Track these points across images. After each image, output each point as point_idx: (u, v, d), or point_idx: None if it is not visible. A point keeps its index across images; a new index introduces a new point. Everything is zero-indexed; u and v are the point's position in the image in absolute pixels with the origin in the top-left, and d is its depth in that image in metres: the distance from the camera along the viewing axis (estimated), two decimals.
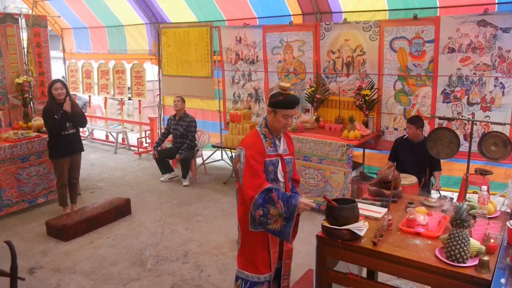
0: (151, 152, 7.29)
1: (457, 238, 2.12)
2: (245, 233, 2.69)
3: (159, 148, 6.50)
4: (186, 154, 6.21)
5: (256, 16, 6.40)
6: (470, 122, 3.96)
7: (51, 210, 5.21)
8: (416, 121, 4.57)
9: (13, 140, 5.02)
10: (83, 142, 6.03)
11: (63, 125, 4.62)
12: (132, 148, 8.41)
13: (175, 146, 6.41)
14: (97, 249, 4.24)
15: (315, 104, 5.67)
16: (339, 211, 2.40)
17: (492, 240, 2.25)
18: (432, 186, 4.60)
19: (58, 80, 4.74)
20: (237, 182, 2.66)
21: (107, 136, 9.27)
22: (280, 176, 2.65)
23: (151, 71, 8.80)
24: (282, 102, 2.56)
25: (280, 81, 2.59)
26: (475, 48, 4.58)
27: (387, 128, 5.38)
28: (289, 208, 2.45)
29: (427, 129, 4.87)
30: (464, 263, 2.10)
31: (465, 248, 2.10)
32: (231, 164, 6.75)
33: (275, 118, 2.59)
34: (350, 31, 5.34)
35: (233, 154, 6.70)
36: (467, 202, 2.59)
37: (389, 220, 2.55)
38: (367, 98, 5.15)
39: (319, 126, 5.60)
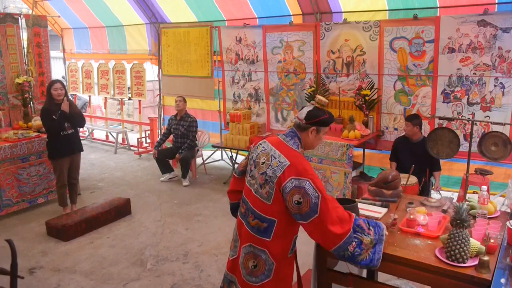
0: (151, 152, 7.29)
1: (457, 238, 2.12)
2: (281, 262, 2.40)
3: (159, 148, 6.50)
4: (186, 154, 6.21)
5: (256, 16, 6.40)
6: (470, 122, 3.96)
7: (51, 210, 5.21)
8: (412, 118, 4.57)
9: (13, 140, 5.02)
10: (83, 142, 6.03)
11: (62, 126, 4.63)
12: (132, 148, 8.41)
13: (176, 146, 6.41)
14: (97, 249, 4.24)
15: None
16: None
17: (492, 240, 2.25)
18: (432, 186, 4.61)
19: (57, 81, 4.74)
20: (275, 213, 2.29)
21: (107, 136, 9.27)
22: None
23: (151, 71, 8.80)
24: (328, 120, 2.42)
25: (319, 96, 2.43)
26: (475, 48, 4.58)
27: (387, 128, 5.38)
28: (378, 233, 2.29)
29: (427, 129, 4.87)
30: (464, 263, 2.10)
31: (465, 248, 2.10)
32: (231, 164, 6.75)
33: (318, 136, 2.43)
34: (350, 31, 5.34)
35: (233, 154, 6.71)
36: (467, 202, 2.59)
37: (394, 219, 2.54)
38: (367, 98, 5.16)
39: None
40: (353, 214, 2.30)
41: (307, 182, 2.19)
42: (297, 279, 2.58)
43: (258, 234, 2.35)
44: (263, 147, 2.39)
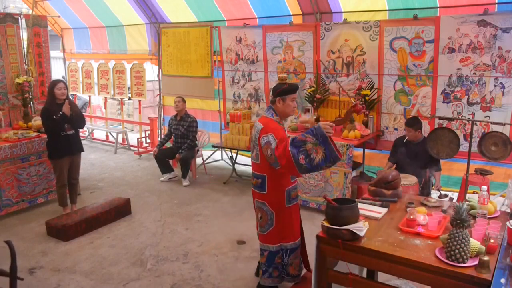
0: (151, 152, 7.29)
1: (457, 238, 2.12)
2: (280, 212, 3.09)
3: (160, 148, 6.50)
4: (186, 154, 6.21)
5: (256, 16, 6.39)
6: (470, 122, 3.96)
7: (51, 210, 5.21)
8: (414, 123, 4.55)
9: (13, 140, 5.02)
10: (83, 142, 6.03)
11: (61, 127, 4.62)
12: (132, 148, 8.41)
13: (176, 146, 6.41)
14: (97, 249, 4.24)
15: (315, 104, 5.67)
16: (339, 211, 2.40)
17: (492, 240, 2.25)
18: (432, 186, 4.60)
19: (60, 80, 4.76)
20: (264, 169, 3.05)
21: (107, 136, 9.27)
22: None
23: (151, 71, 8.79)
24: (288, 88, 3.05)
25: (279, 75, 3.21)
26: (475, 48, 4.58)
27: (387, 128, 5.38)
28: (318, 134, 2.74)
29: (427, 129, 4.87)
30: (464, 263, 2.10)
31: (465, 248, 2.10)
32: (231, 164, 6.75)
33: (285, 104, 3.06)
34: (350, 31, 5.34)
35: (233, 154, 6.72)
36: (467, 202, 2.59)
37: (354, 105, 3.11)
38: (367, 98, 5.15)
39: None
40: (289, 138, 2.85)
41: (271, 135, 2.90)
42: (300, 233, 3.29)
43: (257, 189, 3.12)
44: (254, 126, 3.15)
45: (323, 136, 2.72)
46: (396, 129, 5.30)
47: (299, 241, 3.25)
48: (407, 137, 4.63)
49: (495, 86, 4.57)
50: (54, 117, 4.54)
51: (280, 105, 3.06)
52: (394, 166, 4.75)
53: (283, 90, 3.03)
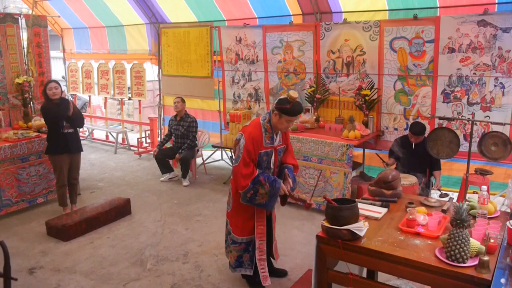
0: (151, 152, 7.28)
1: (457, 238, 2.12)
2: (237, 203, 3.23)
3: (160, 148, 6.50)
4: (186, 154, 6.21)
5: (256, 16, 6.40)
6: (470, 122, 3.96)
7: (51, 210, 5.21)
8: (422, 130, 4.52)
9: (13, 140, 5.02)
10: (83, 142, 6.03)
11: (62, 112, 4.61)
12: (132, 148, 8.41)
13: (176, 146, 6.41)
14: (97, 249, 4.24)
15: (315, 104, 5.67)
16: (339, 211, 2.40)
17: (492, 240, 2.25)
18: (432, 186, 4.61)
19: (52, 80, 4.77)
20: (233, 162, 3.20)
21: (107, 136, 9.27)
22: (271, 165, 3.22)
23: (151, 71, 8.79)
24: (288, 110, 3.01)
25: (290, 91, 3.07)
26: (475, 48, 4.58)
27: (387, 128, 5.38)
28: (273, 189, 3.05)
29: (427, 129, 4.87)
30: (464, 263, 2.10)
31: (465, 248, 2.10)
32: (231, 164, 6.76)
33: (280, 120, 3.06)
34: (350, 31, 5.34)
35: (233, 154, 6.71)
36: (467, 202, 2.59)
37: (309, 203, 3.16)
38: (367, 98, 5.16)
39: (319, 126, 5.59)
40: (257, 171, 3.05)
41: (242, 138, 3.04)
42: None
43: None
44: None
45: (275, 193, 3.07)
46: (396, 129, 5.30)
47: (243, 240, 3.31)
48: (414, 143, 4.60)
49: (495, 86, 4.58)
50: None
51: (275, 118, 3.08)
52: (394, 166, 4.75)
53: (283, 109, 3.02)
